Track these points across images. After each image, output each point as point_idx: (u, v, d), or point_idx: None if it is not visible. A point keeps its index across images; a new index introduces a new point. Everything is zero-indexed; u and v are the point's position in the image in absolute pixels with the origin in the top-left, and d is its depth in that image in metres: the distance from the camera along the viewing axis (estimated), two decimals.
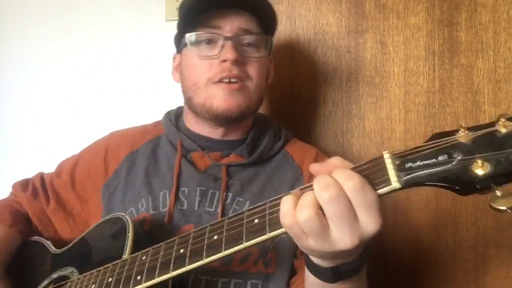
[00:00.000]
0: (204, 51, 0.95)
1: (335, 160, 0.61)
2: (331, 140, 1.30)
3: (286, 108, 1.32)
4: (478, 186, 0.49)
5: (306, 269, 0.70)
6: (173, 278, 0.70)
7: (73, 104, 1.44)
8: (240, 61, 0.93)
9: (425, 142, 0.53)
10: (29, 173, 1.12)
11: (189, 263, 0.67)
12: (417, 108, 1.25)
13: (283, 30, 1.31)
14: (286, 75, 1.32)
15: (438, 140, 0.52)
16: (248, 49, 0.96)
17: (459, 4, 1.23)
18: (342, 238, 0.55)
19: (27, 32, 1.45)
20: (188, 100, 1.01)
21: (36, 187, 1.07)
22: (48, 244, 1.01)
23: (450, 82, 1.24)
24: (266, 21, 1.00)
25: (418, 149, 0.53)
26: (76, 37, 1.42)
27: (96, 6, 1.40)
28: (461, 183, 0.50)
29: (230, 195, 0.96)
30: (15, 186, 1.09)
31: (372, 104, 1.28)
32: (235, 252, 0.64)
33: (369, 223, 0.55)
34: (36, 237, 1.04)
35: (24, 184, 1.08)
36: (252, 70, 0.96)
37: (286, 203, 0.58)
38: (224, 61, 0.92)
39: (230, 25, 0.94)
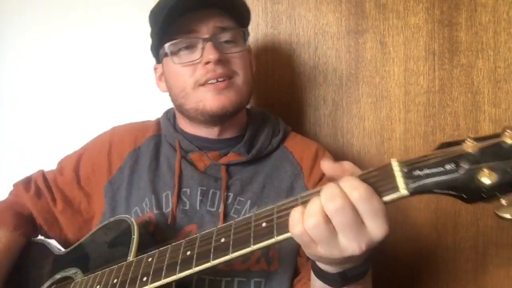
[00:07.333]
0: (186, 58, 0.95)
1: (346, 164, 0.63)
2: (331, 140, 1.30)
3: (286, 108, 1.32)
4: (484, 195, 0.50)
5: (312, 274, 0.71)
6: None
7: (72, 102, 1.44)
8: (223, 60, 0.93)
9: (433, 151, 0.54)
10: (27, 171, 1.11)
11: (196, 265, 0.67)
12: (417, 108, 1.25)
13: (283, 30, 1.31)
14: (286, 75, 1.32)
15: (445, 149, 0.53)
16: (227, 46, 0.96)
17: (459, 4, 1.23)
18: (350, 245, 0.57)
19: (26, 31, 1.44)
20: (179, 107, 1.01)
21: (40, 187, 1.05)
22: (51, 245, 1.01)
23: (450, 82, 1.24)
24: (239, 14, 1.00)
25: (426, 158, 0.54)
26: (76, 34, 1.42)
27: (96, 3, 1.40)
28: (468, 191, 0.51)
29: (231, 194, 0.96)
30: (16, 185, 1.07)
31: (372, 104, 1.27)
32: (242, 255, 0.64)
33: (376, 230, 0.56)
34: (39, 238, 1.03)
35: (26, 184, 1.07)
36: (236, 65, 0.96)
37: (296, 213, 0.59)
38: (207, 62, 0.92)
39: (206, 26, 0.94)
